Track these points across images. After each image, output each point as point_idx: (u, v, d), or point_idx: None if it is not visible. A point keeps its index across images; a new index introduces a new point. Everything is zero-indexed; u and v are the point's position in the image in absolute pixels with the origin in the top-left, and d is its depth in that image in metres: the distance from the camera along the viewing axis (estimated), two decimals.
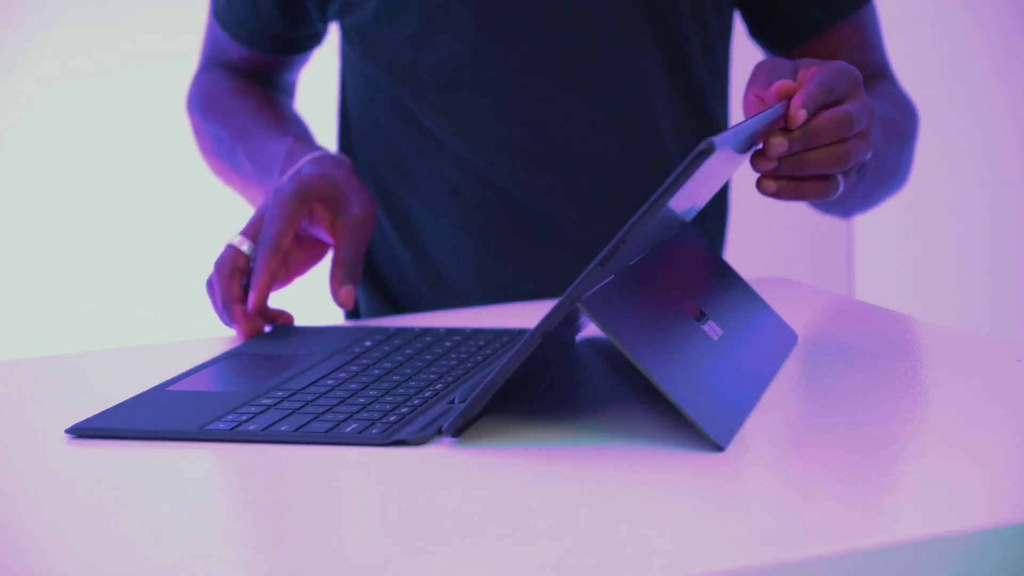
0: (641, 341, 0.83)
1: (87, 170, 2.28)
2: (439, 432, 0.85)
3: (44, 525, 0.75)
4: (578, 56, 1.29)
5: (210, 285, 1.14)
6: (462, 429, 0.86)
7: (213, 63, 1.42)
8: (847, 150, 1.00)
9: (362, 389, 0.95)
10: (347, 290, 1.10)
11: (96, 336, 2.22)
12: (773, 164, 0.97)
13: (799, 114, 0.96)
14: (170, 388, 0.98)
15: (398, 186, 1.36)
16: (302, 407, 0.91)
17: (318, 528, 0.73)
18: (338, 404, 0.92)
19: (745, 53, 1.48)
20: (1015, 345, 1.03)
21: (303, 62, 1.43)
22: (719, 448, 0.80)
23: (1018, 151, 2.46)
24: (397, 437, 0.85)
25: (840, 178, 1.01)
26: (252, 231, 1.13)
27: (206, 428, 0.88)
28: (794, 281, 1.29)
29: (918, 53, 2.35)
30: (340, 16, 1.33)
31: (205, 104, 1.38)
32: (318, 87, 1.54)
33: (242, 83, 1.39)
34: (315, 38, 1.38)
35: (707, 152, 0.77)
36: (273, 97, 1.39)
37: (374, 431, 0.86)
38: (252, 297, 1.10)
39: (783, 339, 1.04)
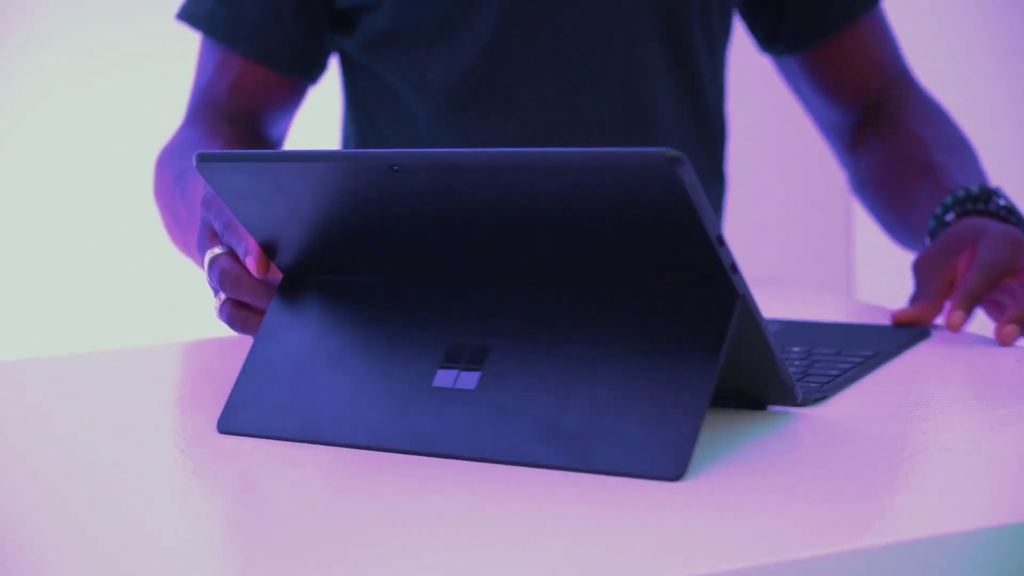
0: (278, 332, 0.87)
1: (86, 170, 2.29)
2: None
3: None
4: (591, 57, 1.30)
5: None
6: None
7: (199, 111, 1.32)
8: None
9: None
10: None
11: (96, 337, 2.22)
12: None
13: (957, 319, 1.05)
14: None
15: None
16: None
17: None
18: None
19: (744, 52, 1.48)
20: (1015, 345, 1.03)
21: (298, 101, 1.36)
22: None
23: (1018, 151, 2.46)
24: None
25: None
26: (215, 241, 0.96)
27: None
28: (793, 281, 1.29)
29: (918, 52, 2.35)
30: (352, 16, 1.31)
31: (168, 154, 1.28)
32: (320, 95, 1.54)
33: (217, 131, 1.28)
34: (320, 66, 1.34)
35: None
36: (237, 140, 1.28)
37: None
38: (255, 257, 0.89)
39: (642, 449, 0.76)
